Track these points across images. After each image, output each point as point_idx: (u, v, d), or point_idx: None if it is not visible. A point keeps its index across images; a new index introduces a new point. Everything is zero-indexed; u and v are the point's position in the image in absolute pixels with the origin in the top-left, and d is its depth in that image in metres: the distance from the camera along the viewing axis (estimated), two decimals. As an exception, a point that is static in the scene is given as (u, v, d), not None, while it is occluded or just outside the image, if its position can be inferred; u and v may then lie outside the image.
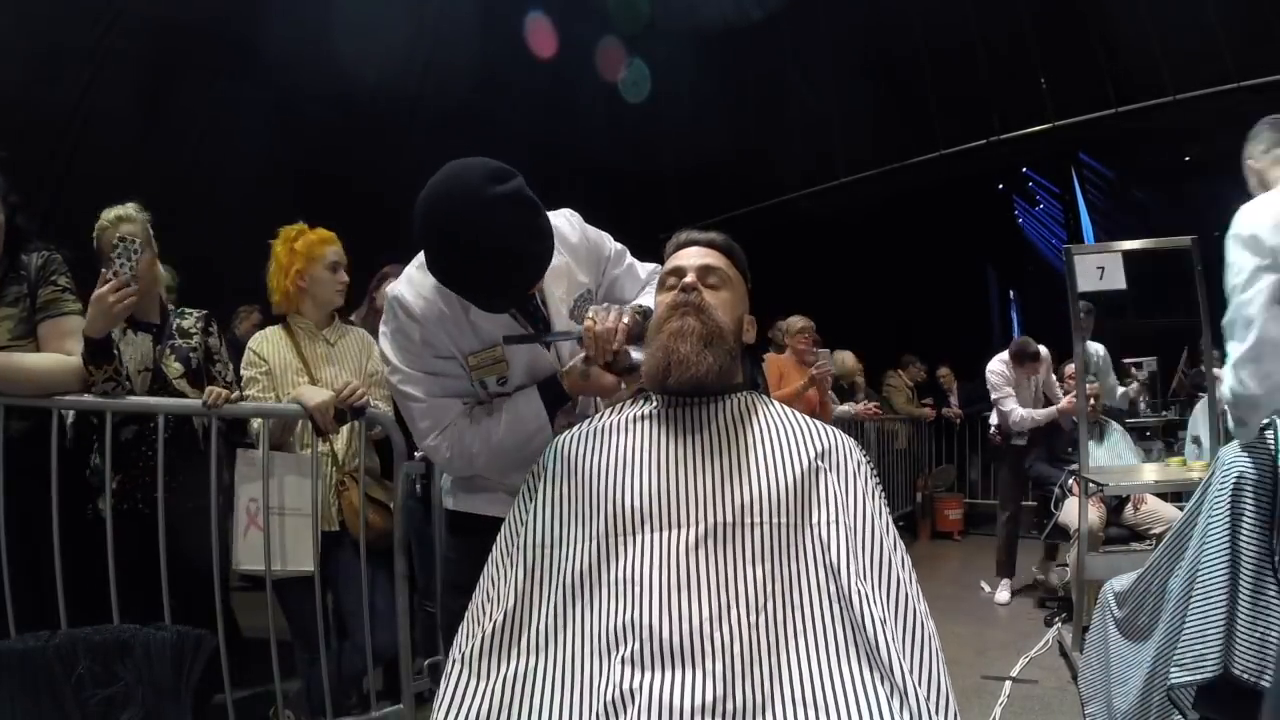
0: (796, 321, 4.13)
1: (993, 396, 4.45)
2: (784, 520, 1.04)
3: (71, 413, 1.94)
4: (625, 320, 1.27)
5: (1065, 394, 4.42)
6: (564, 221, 1.43)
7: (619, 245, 1.53)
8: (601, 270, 1.50)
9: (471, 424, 1.32)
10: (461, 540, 1.44)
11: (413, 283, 1.31)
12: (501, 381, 1.33)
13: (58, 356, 1.78)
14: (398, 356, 1.31)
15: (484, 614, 1.07)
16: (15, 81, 4.30)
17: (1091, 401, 3.67)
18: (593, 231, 1.48)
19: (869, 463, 1.15)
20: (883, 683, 0.93)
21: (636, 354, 1.26)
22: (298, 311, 2.27)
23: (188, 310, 2.24)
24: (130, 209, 2.09)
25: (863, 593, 0.98)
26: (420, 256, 1.32)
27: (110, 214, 2.08)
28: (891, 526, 1.08)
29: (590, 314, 1.29)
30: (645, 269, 1.55)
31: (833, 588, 1.00)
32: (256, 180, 5.18)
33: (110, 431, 1.88)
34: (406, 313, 1.28)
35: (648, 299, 1.39)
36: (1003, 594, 4.25)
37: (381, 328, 1.34)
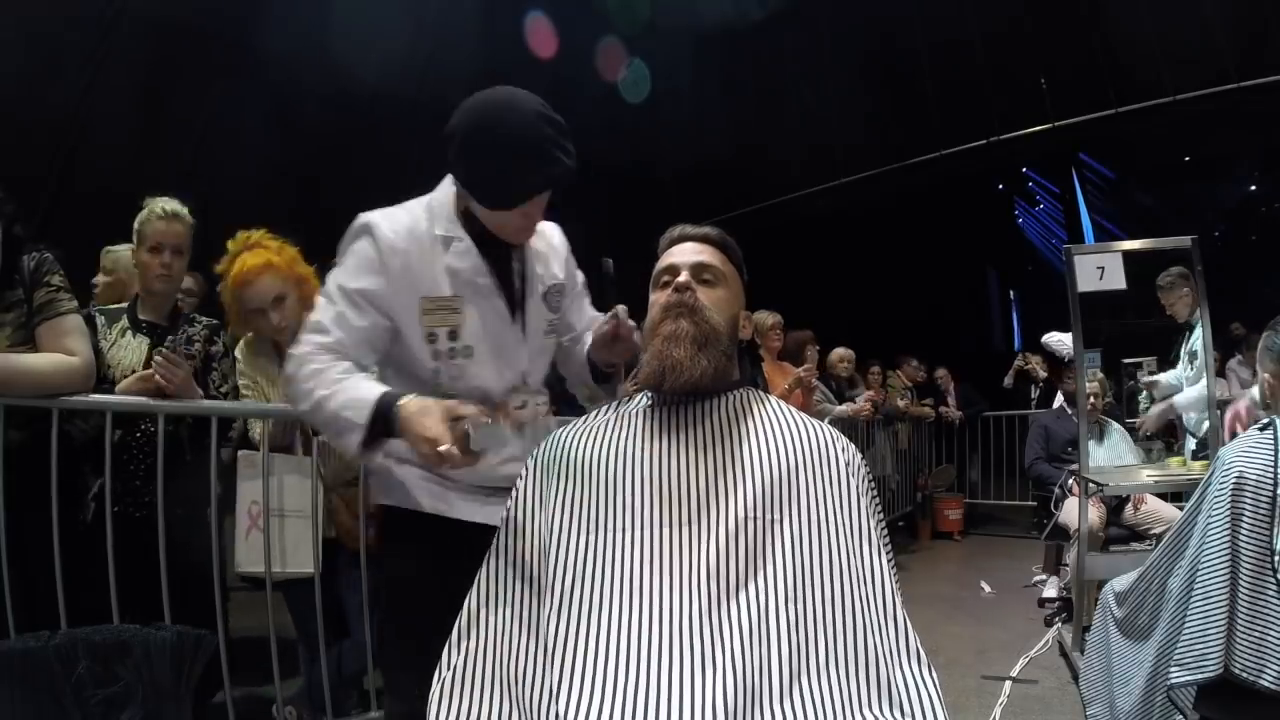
0: (766, 318, 3.97)
1: None
2: (771, 517, 1.04)
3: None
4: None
5: (1065, 393, 4.42)
6: (554, 230, 1.49)
7: (584, 277, 1.58)
8: (573, 284, 1.53)
9: (323, 361, 1.23)
10: (395, 548, 1.39)
11: (388, 216, 1.30)
12: (453, 335, 1.31)
13: (58, 356, 1.77)
14: (339, 265, 1.29)
15: (476, 621, 1.09)
16: (15, 82, 4.31)
17: (1091, 401, 3.68)
18: (570, 253, 1.53)
19: (864, 462, 1.15)
20: (867, 681, 0.96)
21: (486, 431, 1.14)
22: None
23: (199, 318, 2.24)
24: (184, 210, 2.09)
25: (842, 593, 1.00)
26: (408, 203, 1.34)
27: (165, 207, 2.07)
28: (872, 527, 1.08)
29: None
30: (593, 310, 1.59)
31: (818, 586, 1.01)
32: (256, 180, 5.18)
33: (110, 430, 1.87)
34: (371, 236, 1.27)
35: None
36: (1050, 591, 4.15)
37: (342, 245, 1.31)
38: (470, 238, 1.31)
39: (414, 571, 1.33)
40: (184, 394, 1.93)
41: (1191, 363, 3.93)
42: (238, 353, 2.23)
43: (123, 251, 2.56)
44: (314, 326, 1.27)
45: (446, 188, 1.34)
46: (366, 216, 1.30)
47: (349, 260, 1.29)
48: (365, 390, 1.20)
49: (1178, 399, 3.88)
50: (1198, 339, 3.89)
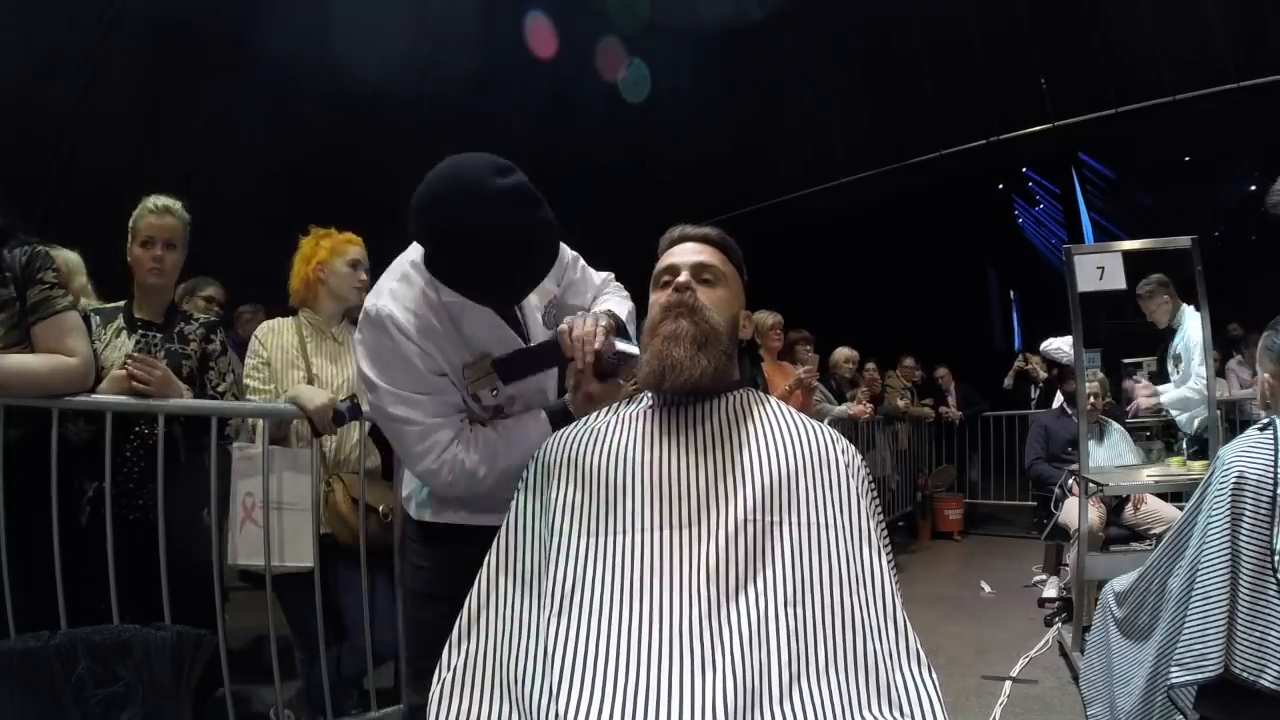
0: (767, 318, 3.95)
1: None
2: (771, 520, 1.04)
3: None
4: (602, 323, 1.27)
5: (1065, 394, 4.42)
6: None
7: (573, 251, 1.52)
8: (562, 275, 1.49)
9: (473, 447, 1.28)
10: (437, 549, 1.39)
11: (397, 297, 1.25)
12: (494, 393, 1.31)
13: (56, 357, 1.76)
14: (385, 376, 1.25)
15: (477, 623, 1.09)
16: (15, 82, 4.31)
17: (1091, 401, 3.68)
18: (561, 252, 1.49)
19: (865, 465, 1.15)
20: (868, 685, 0.96)
21: (622, 345, 1.26)
22: (311, 307, 2.28)
23: (196, 316, 2.23)
24: (177, 206, 2.11)
25: (841, 596, 1.00)
26: (396, 267, 1.30)
27: (156, 202, 2.08)
28: (872, 529, 1.08)
29: (565, 323, 1.29)
30: (598, 276, 1.54)
31: (817, 590, 1.01)
32: (256, 180, 5.19)
33: (110, 431, 1.87)
34: (400, 330, 1.23)
35: (607, 305, 1.41)
36: (1050, 591, 4.16)
37: (360, 345, 1.27)
38: None
39: (449, 573, 1.32)
40: (164, 393, 1.91)
41: (1176, 365, 3.96)
42: (259, 334, 2.25)
43: (58, 253, 2.57)
44: (419, 436, 1.25)
45: None
46: (376, 307, 1.24)
47: (381, 368, 1.25)
48: (526, 420, 1.33)
49: (1164, 397, 3.92)
50: (1179, 342, 3.93)
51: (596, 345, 1.24)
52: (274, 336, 2.24)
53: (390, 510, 2.15)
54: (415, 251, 1.29)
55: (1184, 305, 4.00)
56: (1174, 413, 3.97)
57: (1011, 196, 13.45)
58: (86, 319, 1.99)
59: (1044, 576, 4.20)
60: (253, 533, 2.03)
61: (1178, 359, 3.98)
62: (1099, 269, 2.98)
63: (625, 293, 1.54)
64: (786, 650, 0.96)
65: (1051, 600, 3.93)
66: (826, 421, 1.32)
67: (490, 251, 1.15)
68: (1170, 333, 4.02)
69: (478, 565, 1.15)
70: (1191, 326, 3.85)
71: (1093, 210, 11.92)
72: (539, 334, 1.38)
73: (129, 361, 1.89)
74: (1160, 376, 4.14)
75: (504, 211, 1.13)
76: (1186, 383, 3.82)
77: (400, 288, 1.27)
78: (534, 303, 1.38)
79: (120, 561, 1.86)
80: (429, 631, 1.33)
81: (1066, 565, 3.91)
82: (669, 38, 7.14)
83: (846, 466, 1.11)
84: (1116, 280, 2.98)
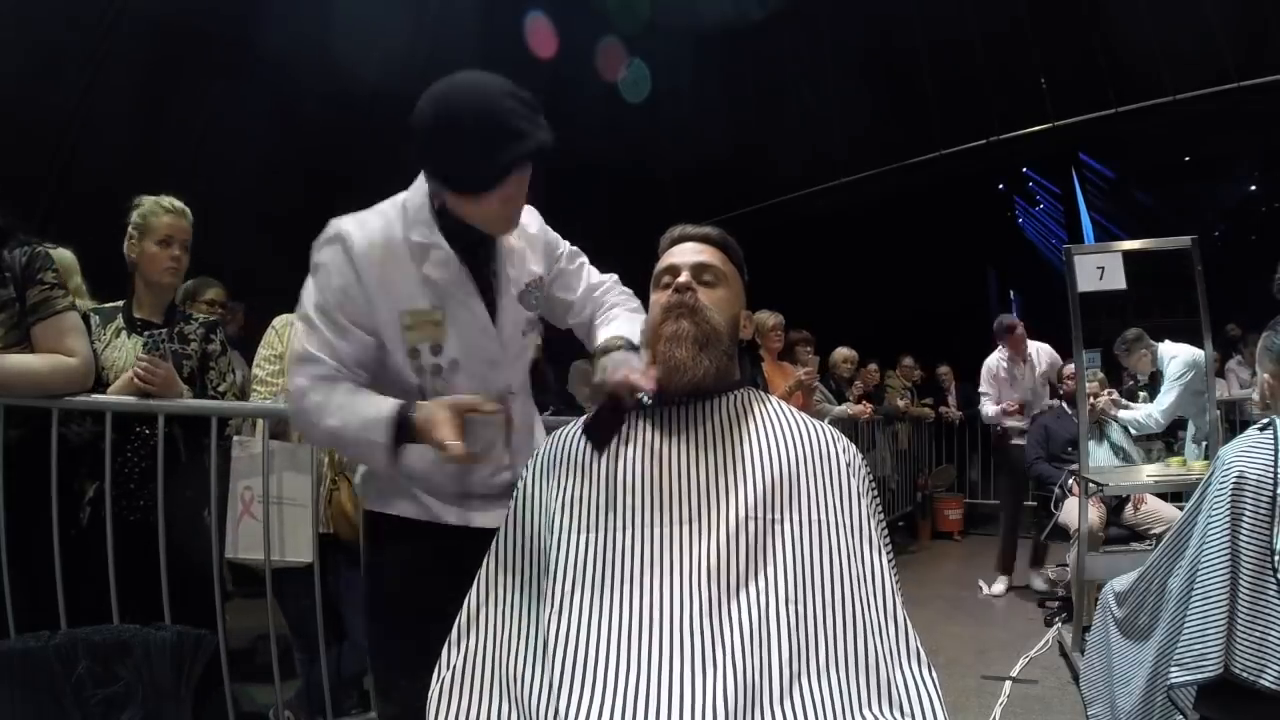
0: (768, 318, 3.95)
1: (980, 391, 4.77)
2: (772, 516, 1.04)
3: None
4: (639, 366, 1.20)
5: (1065, 394, 4.43)
6: (528, 213, 1.39)
7: (574, 248, 1.50)
8: (552, 265, 1.45)
9: (336, 396, 1.20)
10: (383, 547, 1.35)
11: (363, 223, 1.23)
12: (436, 350, 1.25)
13: (56, 357, 1.76)
14: (319, 286, 1.22)
15: (476, 620, 1.09)
16: (15, 82, 4.30)
17: (1091, 401, 3.69)
18: (551, 231, 1.45)
19: (865, 464, 1.15)
20: (868, 685, 0.96)
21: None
22: None
23: (196, 315, 2.23)
24: (186, 211, 2.11)
25: (842, 593, 1.00)
26: (380, 205, 1.28)
27: (172, 202, 2.08)
28: (873, 528, 1.08)
29: (599, 374, 1.23)
30: (600, 276, 1.50)
31: (818, 586, 1.01)
32: (257, 180, 5.19)
33: (110, 431, 1.87)
34: (346, 249, 1.20)
35: (617, 325, 1.35)
36: (998, 587, 4.36)
37: (312, 262, 1.24)
38: (448, 242, 1.23)
39: (402, 574, 1.31)
40: (167, 392, 1.91)
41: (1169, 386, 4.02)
42: (276, 327, 2.24)
43: (54, 252, 2.57)
44: (303, 356, 1.21)
45: (420, 187, 1.26)
46: (338, 225, 1.22)
47: (322, 277, 1.22)
48: (376, 408, 1.19)
49: (1124, 413, 4.00)
50: (1173, 374, 3.98)
51: (640, 392, 1.15)
52: (291, 331, 2.23)
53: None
54: (404, 193, 1.28)
55: (1156, 345, 4.07)
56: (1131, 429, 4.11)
57: (1011, 196, 13.47)
58: (86, 319, 1.99)
59: (988, 589, 4.36)
60: (250, 526, 2.03)
61: (1170, 378, 4.03)
62: (1099, 269, 2.99)
63: (636, 302, 1.47)
64: (787, 646, 0.96)
65: (998, 597, 4.10)
66: (826, 421, 1.32)
67: (475, 123, 1.15)
68: (1160, 375, 4.10)
69: (425, 569, 1.15)
70: (1171, 362, 3.96)
71: (1093, 210, 11.95)
72: (508, 301, 1.32)
73: (139, 362, 1.88)
74: None
75: (500, 98, 1.16)
76: (1159, 406, 3.91)
77: (370, 216, 1.25)
78: (511, 273, 1.33)
79: (120, 562, 1.85)
80: (388, 642, 1.31)
81: (1064, 565, 3.93)
82: (669, 38, 7.12)
83: (848, 465, 1.11)
84: (1116, 280, 2.99)
